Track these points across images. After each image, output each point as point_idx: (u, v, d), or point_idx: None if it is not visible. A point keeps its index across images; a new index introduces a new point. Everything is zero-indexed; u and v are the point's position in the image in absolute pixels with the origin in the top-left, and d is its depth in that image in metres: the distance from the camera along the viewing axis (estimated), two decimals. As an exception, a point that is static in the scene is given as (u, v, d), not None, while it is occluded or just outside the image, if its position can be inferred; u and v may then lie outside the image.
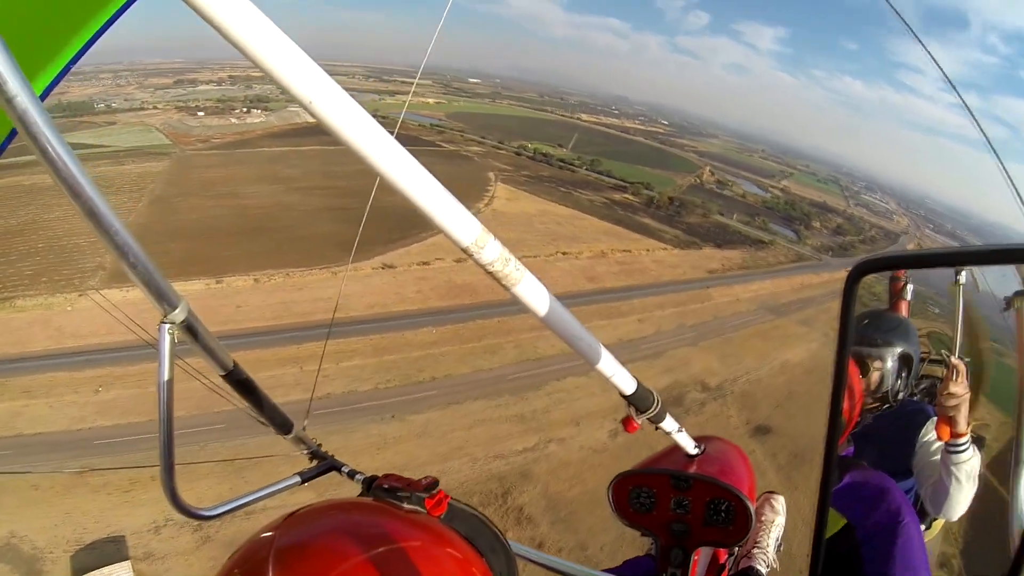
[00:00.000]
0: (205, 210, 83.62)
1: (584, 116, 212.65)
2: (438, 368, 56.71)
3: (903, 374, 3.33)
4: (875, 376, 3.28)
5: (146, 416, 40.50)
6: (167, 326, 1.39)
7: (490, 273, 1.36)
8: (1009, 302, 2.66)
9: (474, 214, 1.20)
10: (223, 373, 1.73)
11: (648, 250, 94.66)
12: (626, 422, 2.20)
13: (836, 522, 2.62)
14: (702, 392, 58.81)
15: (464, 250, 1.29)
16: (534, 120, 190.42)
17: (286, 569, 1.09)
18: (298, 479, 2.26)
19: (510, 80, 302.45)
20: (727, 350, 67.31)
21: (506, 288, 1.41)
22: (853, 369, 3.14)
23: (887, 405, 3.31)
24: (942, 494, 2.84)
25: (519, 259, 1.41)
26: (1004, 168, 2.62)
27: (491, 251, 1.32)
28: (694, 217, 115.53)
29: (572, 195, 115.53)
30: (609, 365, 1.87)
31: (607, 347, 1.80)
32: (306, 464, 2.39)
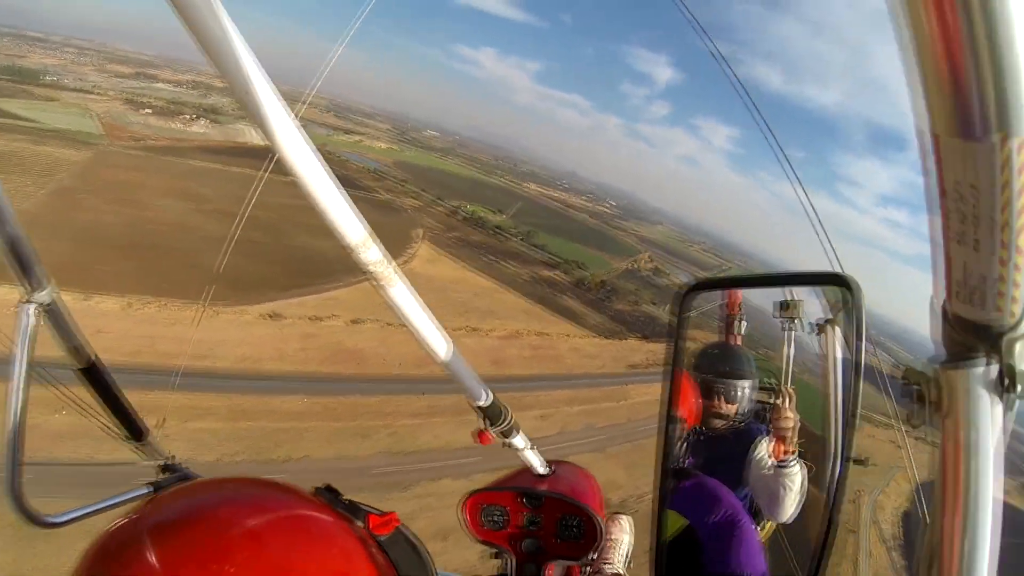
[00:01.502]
0: (102, 214, 76.76)
1: (532, 186, 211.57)
2: (298, 446, 49.48)
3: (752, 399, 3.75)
4: (738, 402, 3.63)
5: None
6: (31, 306, 1.43)
7: (369, 273, 1.51)
8: (819, 328, 3.41)
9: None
10: (82, 367, 1.80)
11: (567, 335, 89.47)
12: (479, 435, 2.46)
13: (677, 523, 2.72)
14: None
15: (349, 248, 1.41)
16: (480, 182, 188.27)
17: (166, 540, 1.00)
18: (149, 489, 2.15)
19: (468, 139, 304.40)
20: (636, 459, 59.86)
21: (381, 289, 1.58)
22: (694, 388, 3.52)
23: (736, 424, 3.63)
24: (776, 502, 3.13)
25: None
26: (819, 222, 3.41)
27: (373, 253, 1.47)
28: (623, 304, 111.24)
29: (497, 265, 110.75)
30: (464, 374, 2.09)
31: (466, 361, 2.04)
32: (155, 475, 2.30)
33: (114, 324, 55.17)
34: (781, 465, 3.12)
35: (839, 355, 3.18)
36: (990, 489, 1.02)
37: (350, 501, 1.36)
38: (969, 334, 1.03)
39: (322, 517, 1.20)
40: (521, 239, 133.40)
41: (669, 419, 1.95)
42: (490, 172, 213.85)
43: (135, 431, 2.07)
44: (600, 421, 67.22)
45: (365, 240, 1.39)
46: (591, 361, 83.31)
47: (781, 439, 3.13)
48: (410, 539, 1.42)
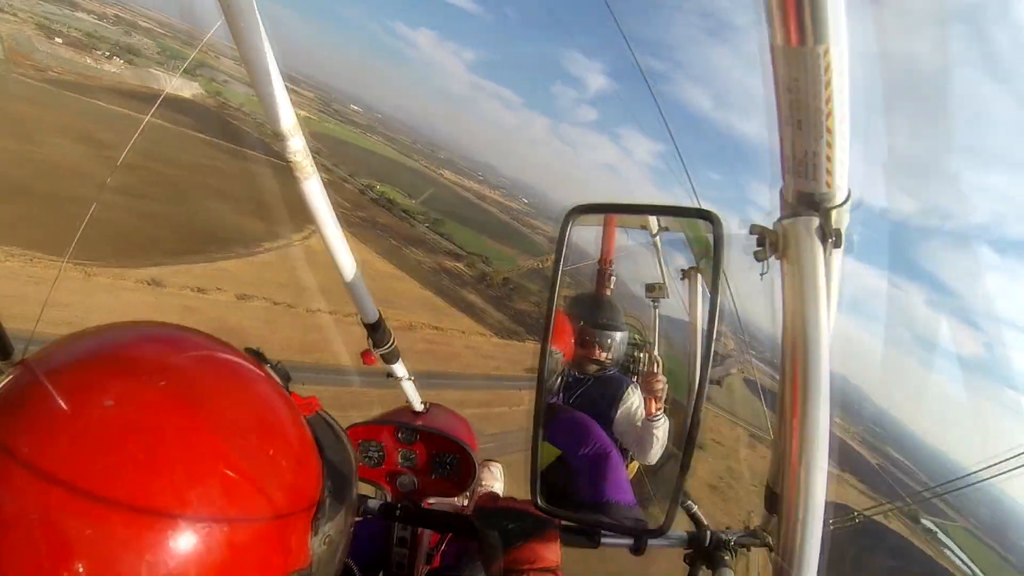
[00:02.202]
0: (-18, 149, 68.25)
1: (447, 173, 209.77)
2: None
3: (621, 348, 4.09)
4: (610, 351, 3.88)
5: None
6: None
7: (289, 162, 1.61)
8: (684, 273, 4.23)
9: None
10: None
11: (464, 332, 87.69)
12: (364, 355, 2.60)
13: (551, 454, 2.90)
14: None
15: (276, 133, 1.52)
16: (395, 164, 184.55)
17: (70, 375, 0.87)
18: None
19: (391, 118, 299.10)
20: (524, 471, 60.03)
21: (298, 180, 1.67)
22: (568, 327, 3.73)
23: (606, 371, 3.90)
24: (644, 449, 3.53)
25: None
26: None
27: (297, 143, 1.57)
28: (526, 304, 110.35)
29: (401, 251, 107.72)
30: (358, 287, 2.21)
31: (361, 275, 2.15)
32: None
33: (-37, 279, 48.56)
34: (650, 419, 3.51)
35: (701, 297, 4.10)
36: (825, 320, 1.29)
37: (280, 365, 1.27)
38: (803, 202, 1.30)
39: (252, 369, 1.07)
40: (429, 226, 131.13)
41: (544, 353, 1.84)
42: (407, 154, 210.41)
43: (1, 348, 1.79)
44: (491, 427, 65.20)
45: (292, 128, 1.47)
46: (486, 362, 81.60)
47: (652, 399, 3.52)
48: (331, 424, 1.35)
